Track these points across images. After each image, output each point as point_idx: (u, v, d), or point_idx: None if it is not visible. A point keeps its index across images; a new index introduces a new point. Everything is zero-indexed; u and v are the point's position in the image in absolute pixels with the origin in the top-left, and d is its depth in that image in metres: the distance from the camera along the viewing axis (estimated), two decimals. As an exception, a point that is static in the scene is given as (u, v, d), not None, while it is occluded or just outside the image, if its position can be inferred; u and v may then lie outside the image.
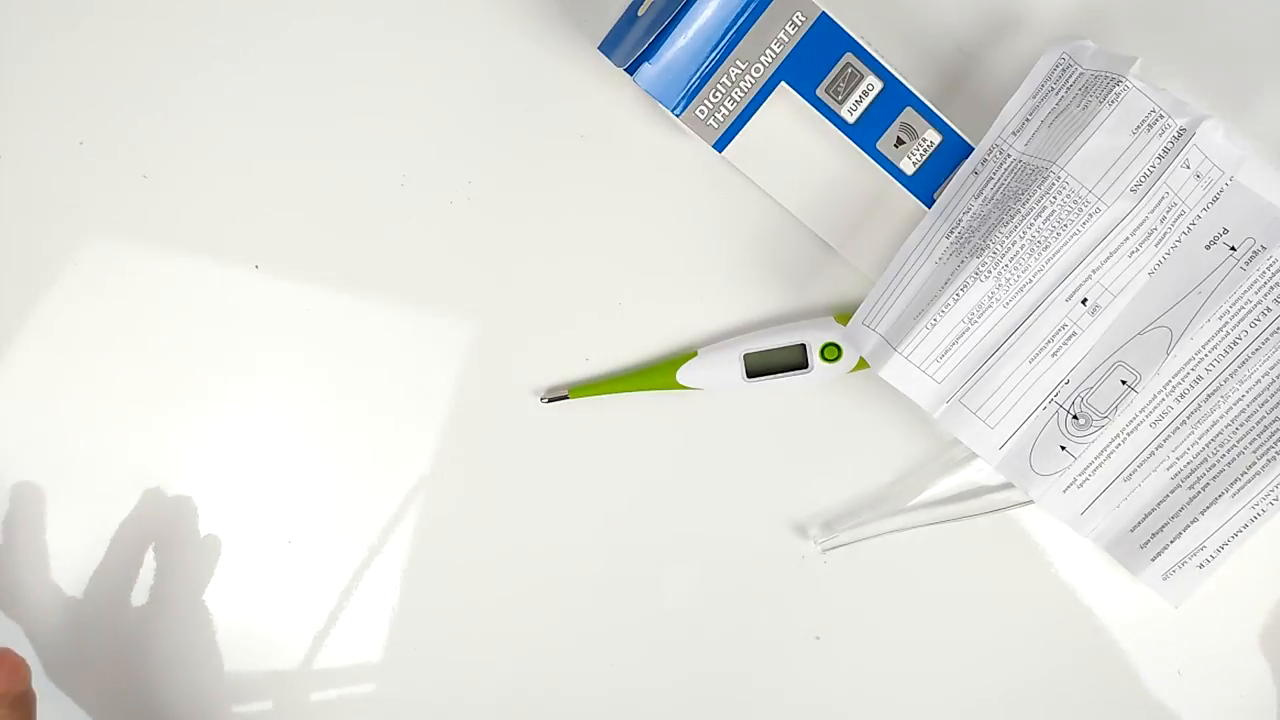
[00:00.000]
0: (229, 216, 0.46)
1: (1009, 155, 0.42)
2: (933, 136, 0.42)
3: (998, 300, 0.41)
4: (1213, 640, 0.50)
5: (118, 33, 0.45)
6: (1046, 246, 0.40)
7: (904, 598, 0.50)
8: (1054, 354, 0.42)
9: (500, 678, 0.49)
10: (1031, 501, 0.48)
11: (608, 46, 0.43)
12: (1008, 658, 0.50)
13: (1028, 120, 0.42)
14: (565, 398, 0.47)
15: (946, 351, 0.41)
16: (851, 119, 0.42)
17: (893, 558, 0.49)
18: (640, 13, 0.42)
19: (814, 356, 0.45)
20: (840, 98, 0.41)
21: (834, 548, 0.48)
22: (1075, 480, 0.44)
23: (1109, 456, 0.44)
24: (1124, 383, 0.42)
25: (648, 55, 0.40)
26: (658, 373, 0.46)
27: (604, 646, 0.50)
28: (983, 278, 0.40)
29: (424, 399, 0.47)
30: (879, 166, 0.42)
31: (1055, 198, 0.40)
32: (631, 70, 0.40)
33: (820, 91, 0.41)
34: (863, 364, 0.45)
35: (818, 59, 0.41)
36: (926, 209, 0.43)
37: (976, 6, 0.45)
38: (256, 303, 0.46)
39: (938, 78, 0.45)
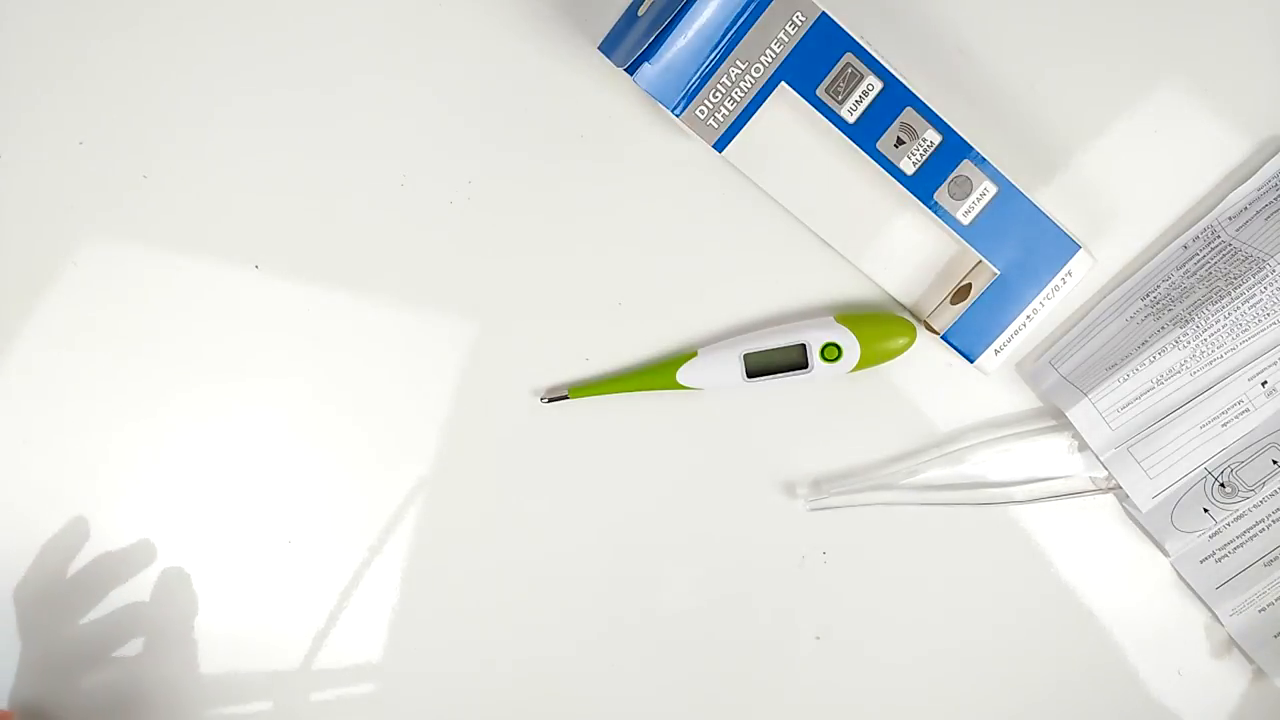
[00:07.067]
0: (229, 216, 0.46)
1: (1219, 237, 0.44)
2: (933, 136, 0.42)
3: (1188, 368, 0.44)
4: (1212, 640, 0.50)
5: (118, 32, 0.45)
6: (1245, 329, 0.43)
7: (904, 598, 0.50)
8: (1224, 425, 0.44)
9: (500, 677, 0.49)
10: (1027, 501, 0.48)
11: (608, 46, 0.43)
12: (1008, 658, 0.50)
13: (1245, 209, 0.44)
14: (565, 398, 0.47)
15: (1129, 404, 0.44)
16: (851, 119, 0.42)
17: (893, 559, 0.49)
18: (640, 13, 0.42)
19: (814, 356, 0.45)
20: (840, 98, 0.41)
21: (821, 509, 0.48)
22: (1214, 554, 0.47)
23: (1252, 538, 0.46)
24: (1275, 462, 0.45)
25: (648, 55, 0.40)
26: (658, 373, 0.46)
27: (604, 646, 0.50)
28: (1180, 346, 0.43)
29: (424, 399, 0.47)
30: (879, 166, 0.42)
31: (1266, 288, 0.42)
32: (631, 70, 0.40)
33: (820, 91, 0.41)
34: (862, 364, 0.45)
35: (818, 59, 0.41)
36: (927, 209, 0.43)
37: (977, 7, 0.45)
38: (256, 303, 0.46)
39: (938, 78, 0.45)
